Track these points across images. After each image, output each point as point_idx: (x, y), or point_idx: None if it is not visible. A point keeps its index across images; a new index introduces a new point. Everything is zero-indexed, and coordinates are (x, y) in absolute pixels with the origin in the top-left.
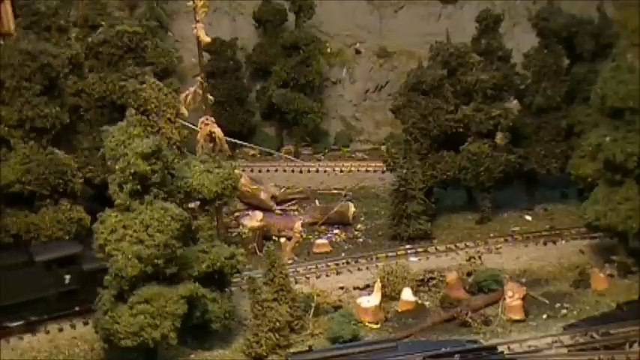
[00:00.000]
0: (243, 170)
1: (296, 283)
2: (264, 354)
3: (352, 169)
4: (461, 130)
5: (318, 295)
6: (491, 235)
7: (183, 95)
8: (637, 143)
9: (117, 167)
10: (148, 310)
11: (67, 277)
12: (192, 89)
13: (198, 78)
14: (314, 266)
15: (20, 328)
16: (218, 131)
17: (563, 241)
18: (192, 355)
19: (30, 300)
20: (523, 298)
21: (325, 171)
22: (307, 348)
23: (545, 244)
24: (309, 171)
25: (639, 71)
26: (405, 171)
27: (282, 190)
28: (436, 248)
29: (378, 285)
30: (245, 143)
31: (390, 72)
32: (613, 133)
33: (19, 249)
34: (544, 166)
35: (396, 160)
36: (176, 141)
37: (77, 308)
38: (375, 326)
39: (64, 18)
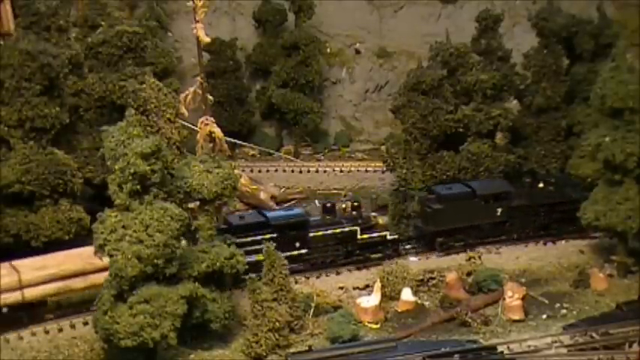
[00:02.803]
0: (243, 170)
1: (296, 283)
2: (264, 354)
3: (352, 169)
4: (461, 130)
5: (318, 295)
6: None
7: (183, 95)
8: (637, 143)
9: (117, 167)
10: (147, 310)
11: (499, 210)
12: (192, 89)
13: (198, 78)
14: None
15: (460, 249)
16: (218, 131)
17: (563, 241)
18: (191, 355)
19: (468, 226)
20: (523, 298)
21: (325, 171)
22: (307, 348)
23: (545, 244)
24: (309, 171)
25: (639, 71)
26: (404, 171)
27: (282, 190)
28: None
29: (377, 285)
30: (245, 143)
31: (390, 72)
32: (613, 133)
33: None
34: (544, 166)
35: (395, 160)
36: (176, 141)
37: (503, 237)
38: (374, 326)
39: (63, 18)
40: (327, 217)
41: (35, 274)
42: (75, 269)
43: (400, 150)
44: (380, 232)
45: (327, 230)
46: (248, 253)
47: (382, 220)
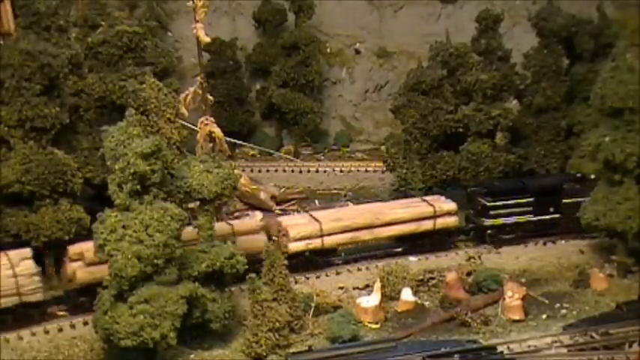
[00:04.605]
0: (243, 170)
1: (296, 283)
2: (264, 354)
3: (352, 169)
4: (461, 130)
5: (318, 295)
6: None
7: (183, 95)
8: (636, 143)
9: (117, 167)
10: (147, 310)
11: None
12: (192, 89)
13: (198, 78)
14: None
15: None
16: (218, 131)
17: (563, 241)
18: (191, 355)
19: None
20: (523, 298)
21: (325, 171)
22: (307, 348)
23: (545, 244)
24: (308, 171)
25: (639, 71)
26: (404, 171)
27: (282, 190)
28: None
29: (377, 285)
30: (245, 143)
31: (390, 72)
32: (612, 133)
33: None
34: (544, 166)
35: (395, 160)
36: (176, 141)
37: None
38: (374, 326)
39: (63, 18)
40: (577, 186)
41: (332, 224)
42: (364, 222)
43: (400, 150)
44: None
45: (580, 198)
46: (507, 215)
47: None
